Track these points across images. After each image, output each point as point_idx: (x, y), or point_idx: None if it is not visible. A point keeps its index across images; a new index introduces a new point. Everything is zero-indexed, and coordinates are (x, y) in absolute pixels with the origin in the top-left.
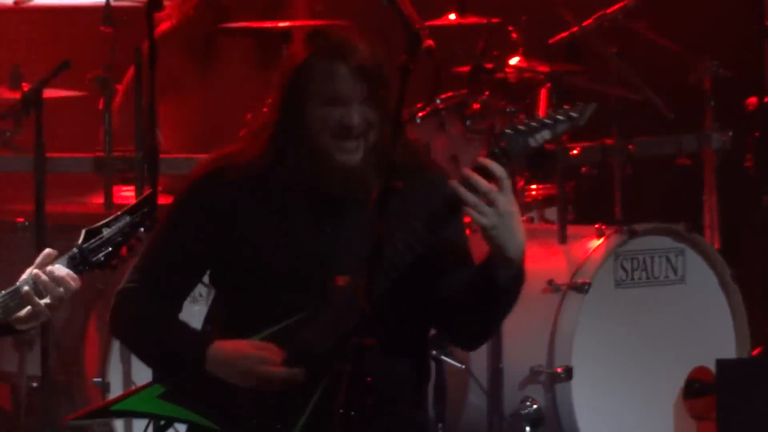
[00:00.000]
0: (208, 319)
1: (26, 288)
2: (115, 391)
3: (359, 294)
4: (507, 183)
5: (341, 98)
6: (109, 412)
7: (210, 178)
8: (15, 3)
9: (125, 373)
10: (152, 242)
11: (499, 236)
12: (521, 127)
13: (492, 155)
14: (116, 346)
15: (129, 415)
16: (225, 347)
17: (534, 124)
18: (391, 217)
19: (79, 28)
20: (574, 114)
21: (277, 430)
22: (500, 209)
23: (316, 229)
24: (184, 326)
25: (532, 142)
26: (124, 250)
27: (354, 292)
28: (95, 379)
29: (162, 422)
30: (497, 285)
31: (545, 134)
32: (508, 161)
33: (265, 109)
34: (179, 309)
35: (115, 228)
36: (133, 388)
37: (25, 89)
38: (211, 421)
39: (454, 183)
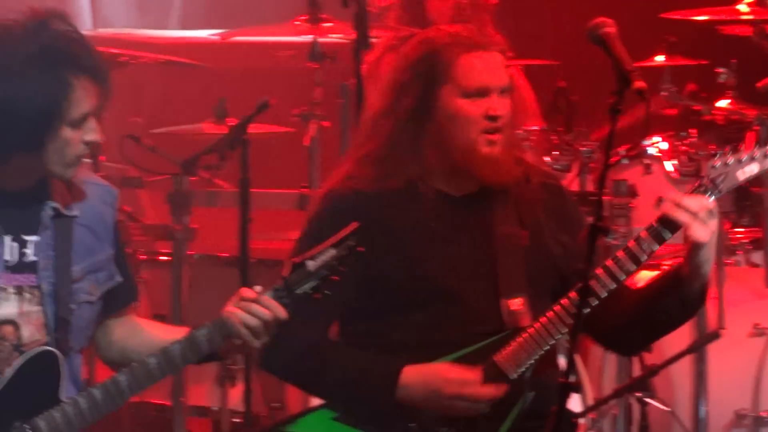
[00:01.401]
0: (359, 344)
1: (230, 317)
2: None
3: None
4: (715, 208)
5: (486, 89)
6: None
7: (351, 200)
8: (221, 38)
9: None
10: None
11: (706, 252)
12: (729, 161)
13: (700, 188)
14: None
15: None
16: (418, 372)
17: (742, 157)
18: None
19: (285, 63)
20: None
21: None
22: (712, 228)
23: (469, 238)
24: (367, 354)
25: (740, 176)
26: (328, 282)
27: (526, 313)
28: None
29: None
30: (690, 297)
31: (753, 168)
32: (717, 193)
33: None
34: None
35: (319, 261)
36: (309, 407)
37: (231, 124)
38: None
39: (670, 207)
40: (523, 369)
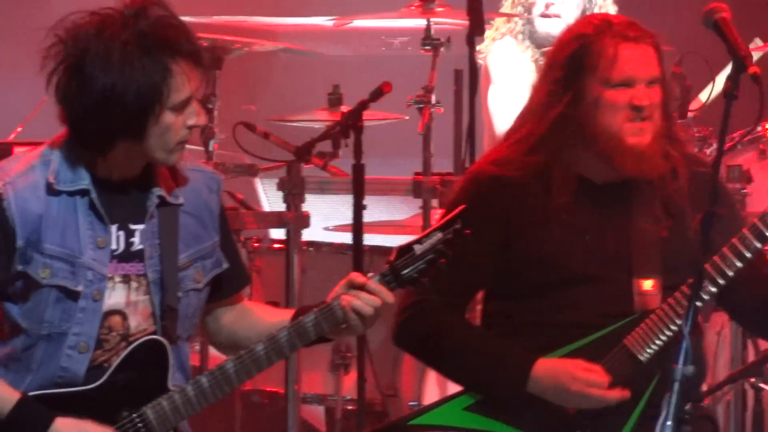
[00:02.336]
0: (489, 327)
1: (338, 304)
2: None
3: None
4: None
5: (631, 80)
6: (406, 427)
7: (494, 183)
8: (334, 25)
9: (441, 396)
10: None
11: None
12: None
13: None
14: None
15: (429, 429)
16: (550, 367)
17: None
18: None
19: (399, 50)
20: None
21: None
22: None
23: (607, 225)
24: (502, 343)
25: None
26: (435, 265)
27: (659, 295)
28: (411, 403)
29: None
30: None
31: None
32: None
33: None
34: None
35: (426, 244)
36: (437, 400)
37: (345, 111)
38: None
39: None
40: (652, 351)
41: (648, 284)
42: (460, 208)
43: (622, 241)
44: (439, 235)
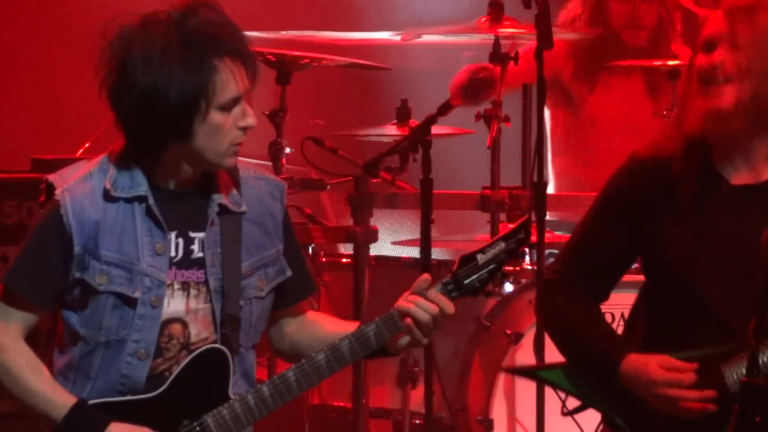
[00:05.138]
0: (636, 309)
1: (398, 313)
2: (499, 429)
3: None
4: None
5: (706, 43)
6: (535, 375)
7: (633, 171)
8: (402, 39)
9: (509, 411)
10: (579, 232)
11: None
12: None
13: None
14: (500, 382)
15: (551, 385)
16: (636, 364)
17: None
18: None
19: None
20: None
21: None
22: None
23: (743, 247)
24: (606, 331)
25: None
26: (498, 275)
27: None
28: (478, 417)
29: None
30: None
31: None
32: None
33: None
34: (604, 299)
35: (489, 254)
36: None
37: (413, 126)
38: (623, 421)
39: None
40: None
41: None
42: (524, 218)
43: (753, 265)
44: (502, 245)
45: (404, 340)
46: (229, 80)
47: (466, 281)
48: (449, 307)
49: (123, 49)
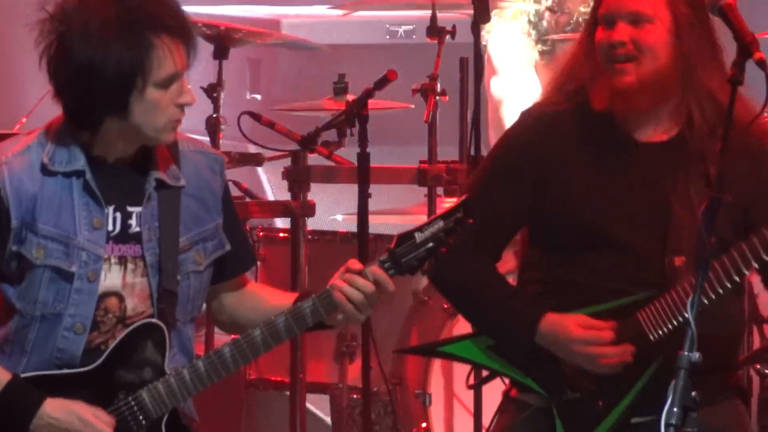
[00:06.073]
0: (522, 277)
1: (334, 291)
2: (437, 404)
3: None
4: None
5: (608, 18)
6: (435, 351)
7: (531, 128)
8: (339, 15)
9: (447, 385)
10: (475, 191)
11: None
12: None
13: None
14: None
15: (454, 358)
16: (554, 323)
17: None
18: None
19: (403, 39)
20: None
21: (599, 407)
22: None
23: (648, 193)
24: (516, 293)
25: None
26: (435, 254)
27: (686, 274)
28: (416, 392)
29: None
30: None
31: None
32: None
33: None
34: (498, 260)
35: (427, 232)
36: (467, 333)
37: (350, 100)
38: (536, 383)
39: None
40: (662, 332)
41: (681, 260)
42: (463, 197)
43: (661, 207)
44: (440, 224)
45: (341, 315)
46: (166, 57)
47: (403, 259)
48: (389, 284)
49: (62, 22)
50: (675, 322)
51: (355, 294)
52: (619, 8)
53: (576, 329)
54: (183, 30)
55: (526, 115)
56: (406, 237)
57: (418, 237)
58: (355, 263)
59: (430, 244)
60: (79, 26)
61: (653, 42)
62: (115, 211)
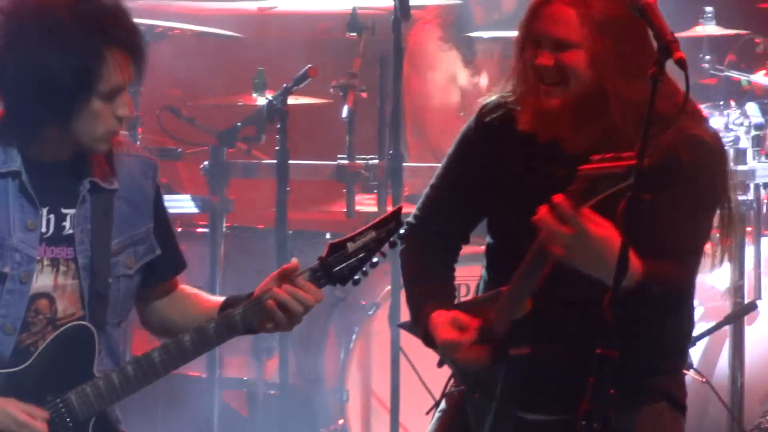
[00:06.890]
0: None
1: (268, 300)
2: (354, 401)
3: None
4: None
5: (534, 41)
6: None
7: (485, 123)
8: (259, 9)
9: (364, 383)
10: (434, 178)
11: None
12: None
13: None
14: (355, 354)
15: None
16: (434, 324)
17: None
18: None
19: (324, 35)
20: None
21: (476, 400)
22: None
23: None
24: (437, 283)
25: None
26: (367, 265)
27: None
28: (334, 388)
29: None
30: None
31: None
32: None
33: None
34: (464, 243)
35: (359, 242)
36: None
37: (269, 96)
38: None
39: None
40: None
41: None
42: (397, 207)
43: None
44: (372, 234)
45: (270, 325)
46: (114, 70)
47: (335, 269)
48: (318, 294)
49: (15, 23)
50: (512, 318)
51: (294, 305)
52: (540, 34)
53: (443, 330)
54: (134, 45)
55: (483, 107)
56: (338, 247)
57: (350, 247)
58: (287, 271)
59: (362, 254)
60: (33, 29)
61: (576, 66)
62: (49, 212)
